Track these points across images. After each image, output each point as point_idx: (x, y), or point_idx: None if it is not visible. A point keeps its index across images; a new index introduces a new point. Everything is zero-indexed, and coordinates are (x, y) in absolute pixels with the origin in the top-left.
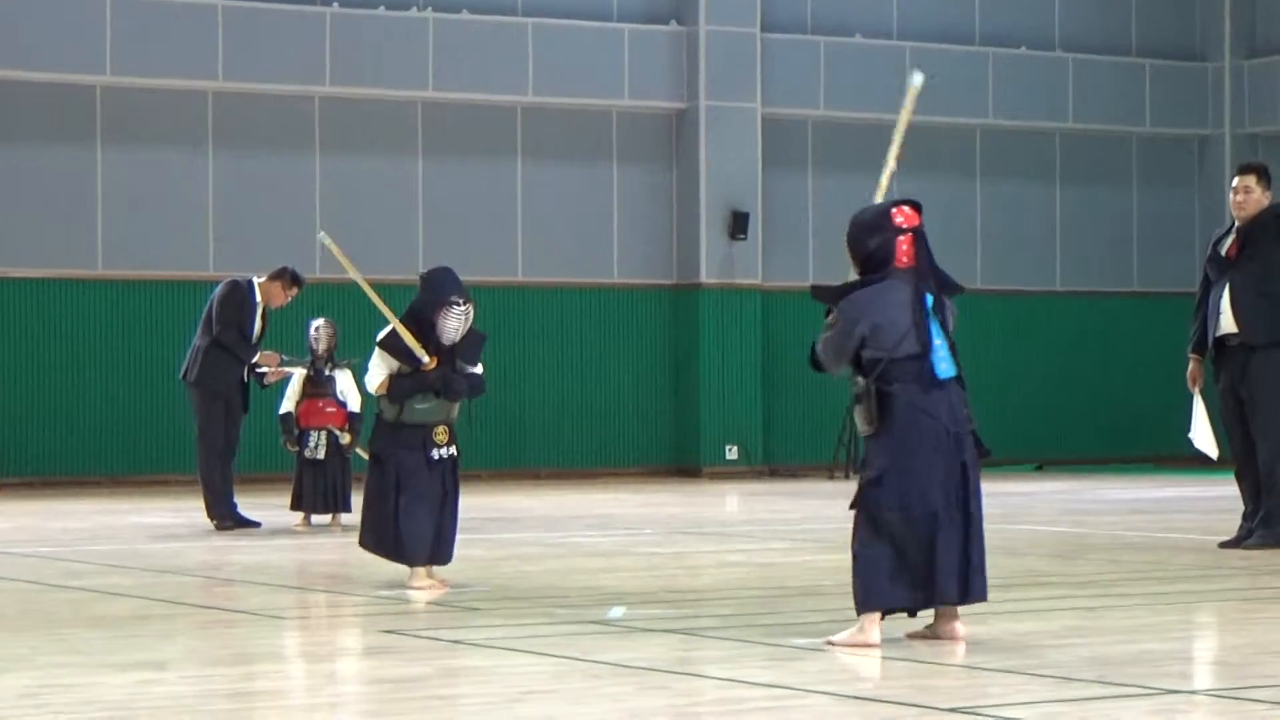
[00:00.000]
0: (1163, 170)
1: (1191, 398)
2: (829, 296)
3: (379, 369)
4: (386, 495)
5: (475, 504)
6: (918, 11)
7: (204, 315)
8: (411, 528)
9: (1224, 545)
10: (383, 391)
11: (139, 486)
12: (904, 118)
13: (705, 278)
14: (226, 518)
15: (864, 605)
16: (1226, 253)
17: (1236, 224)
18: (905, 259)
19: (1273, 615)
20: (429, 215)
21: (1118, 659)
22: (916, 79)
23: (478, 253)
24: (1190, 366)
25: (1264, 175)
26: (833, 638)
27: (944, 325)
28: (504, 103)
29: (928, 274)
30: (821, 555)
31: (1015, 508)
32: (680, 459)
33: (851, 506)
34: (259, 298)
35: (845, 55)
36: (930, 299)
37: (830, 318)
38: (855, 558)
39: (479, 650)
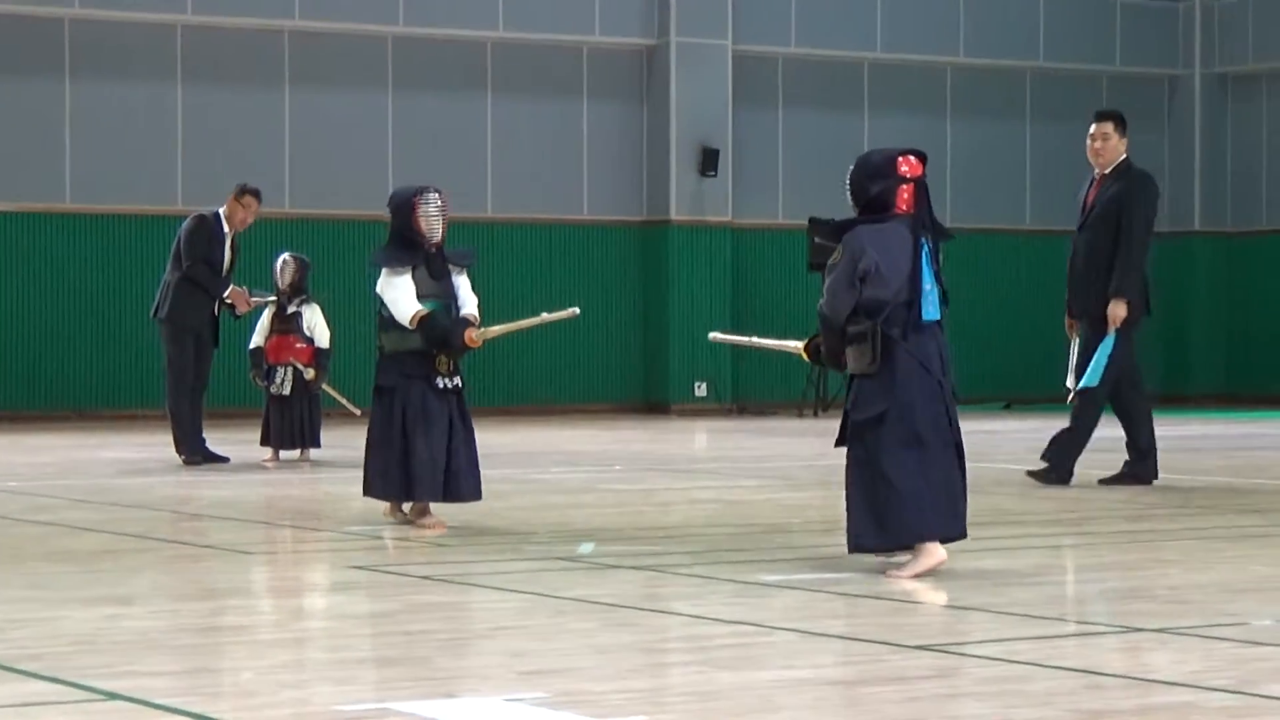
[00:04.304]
0: (1133, 109)
1: (1072, 340)
2: (828, 232)
3: (408, 294)
4: (392, 431)
5: None
6: None
7: (173, 251)
8: (421, 461)
9: (1103, 482)
10: (414, 326)
11: (107, 421)
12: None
13: (675, 214)
14: (195, 453)
15: (916, 537)
16: (1086, 199)
17: (1096, 172)
18: (905, 206)
19: (1239, 554)
20: (398, 150)
21: (1084, 597)
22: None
23: (447, 188)
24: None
25: (1121, 122)
26: (895, 571)
27: (937, 272)
28: (475, 38)
29: (927, 222)
30: (790, 493)
31: (983, 446)
32: (649, 396)
33: (839, 444)
34: (226, 228)
35: None
36: (926, 247)
37: (834, 256)
38: (865, 488)
39: (447, 586)
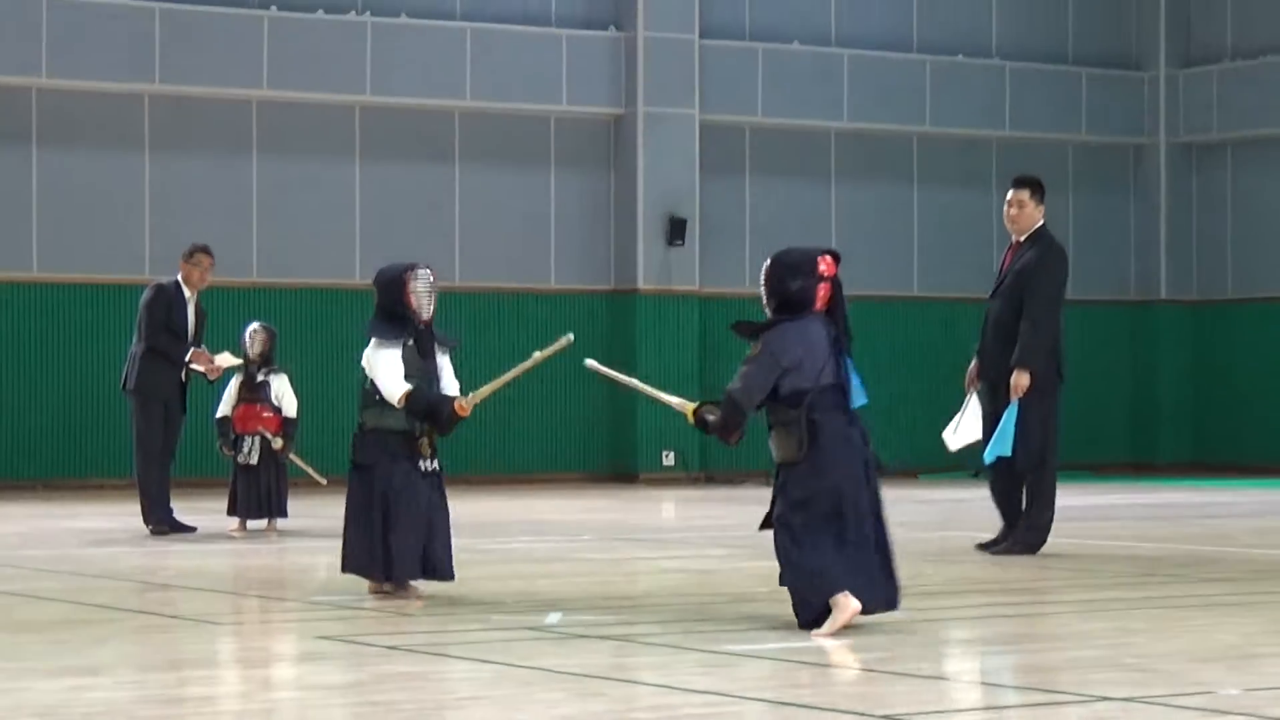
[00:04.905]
0: (1098, 178)
1: (967, 396)
2: (751, 331)
3: (396, 373)
4: (371, 510)
5: None
6: (856, 19)
7: (137, 323)
8: (402, 541)
9: (981, 547)
10: (403, 404)
11: (73, 490)
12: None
13: (643, 284)
14: (162, 522)
15: (828, 593)
16: (1001, 266)
17: (1014, 238)
18: (821, 304)
19: (1204, 622)
20: (366, 219)
21: (1050, 666)
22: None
23: (415, 257)
24: (972, 365)
25: (1038, 189)
26: (817, 631)
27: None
28: (442, 107)
29: (840, 319)
30: (757, 562)
31: (950, 514)
32: (617, 465)
33: (763, 528)
34: (187, 292)
35: (783, 62)
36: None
37: (752, 350)
38: (794, 566)
39: (413, 656)
